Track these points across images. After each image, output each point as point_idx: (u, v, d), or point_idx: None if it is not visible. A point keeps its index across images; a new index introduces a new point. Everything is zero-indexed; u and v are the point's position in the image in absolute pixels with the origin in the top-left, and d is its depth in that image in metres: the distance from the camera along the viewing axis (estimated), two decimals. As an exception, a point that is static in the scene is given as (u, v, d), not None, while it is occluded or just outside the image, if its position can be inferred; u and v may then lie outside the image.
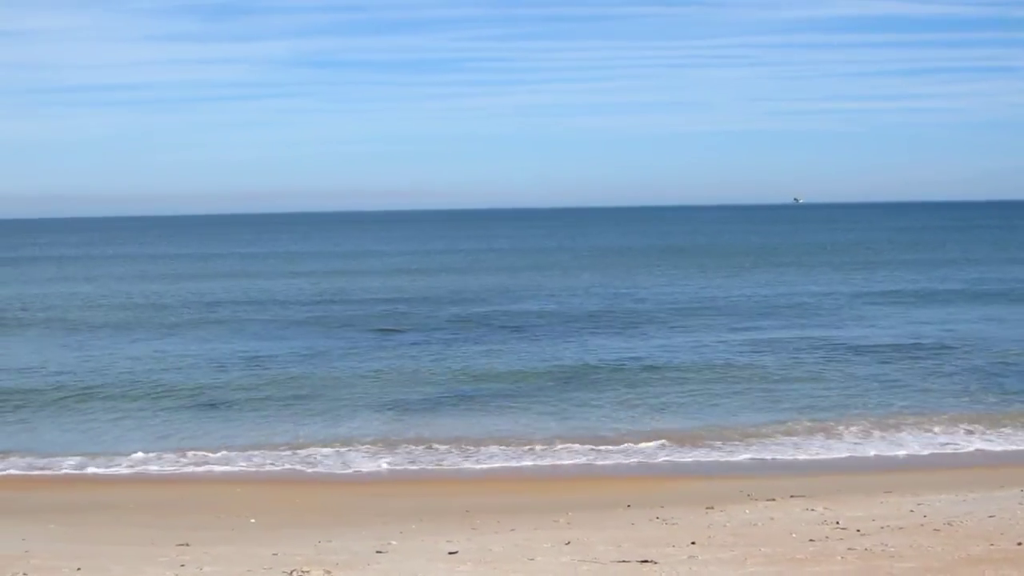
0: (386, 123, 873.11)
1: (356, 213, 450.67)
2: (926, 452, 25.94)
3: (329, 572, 13.48)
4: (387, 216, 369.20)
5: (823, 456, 25.72)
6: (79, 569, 13.94)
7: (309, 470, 25.00)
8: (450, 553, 14.95)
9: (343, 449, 26.68)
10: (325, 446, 26.87)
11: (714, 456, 25.81)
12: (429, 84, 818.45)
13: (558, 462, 25.45)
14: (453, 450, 26.54)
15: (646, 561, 13.97)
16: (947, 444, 26.71)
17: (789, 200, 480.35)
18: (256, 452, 26.46)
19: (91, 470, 25.05)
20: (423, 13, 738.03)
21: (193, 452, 26.45)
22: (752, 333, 43.99)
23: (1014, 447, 26.31)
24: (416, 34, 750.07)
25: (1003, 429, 27.99)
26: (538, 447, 26.70)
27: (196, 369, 37.30)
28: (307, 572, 13.48)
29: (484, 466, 25.15)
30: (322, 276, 77.69)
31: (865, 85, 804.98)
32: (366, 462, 25.58)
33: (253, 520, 19.70)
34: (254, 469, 25.09)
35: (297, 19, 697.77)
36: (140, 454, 26.22)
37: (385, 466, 25.28)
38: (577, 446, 26.71)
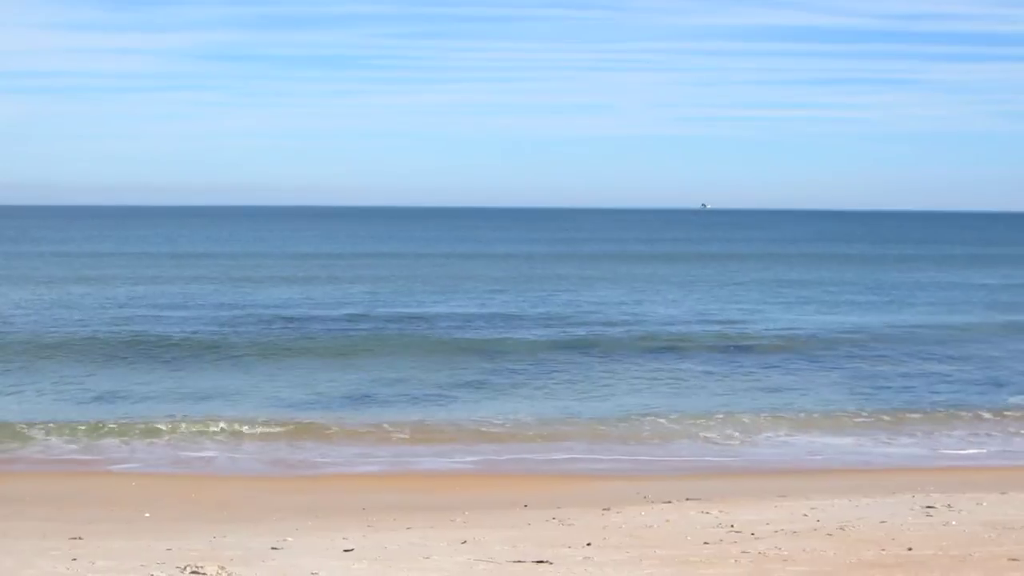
0: (294, 119, 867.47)
1: (263, 208, 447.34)
2: (818, 456, 26.24)
3: (224, 568, 13.38)
4: (293, 212, 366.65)
5: (719, 459, 25.91)
6: (-32, 561, 13.74)
7: (203, 465, 24.82)
8: (345, 551, 14.90)
9: (236, 444, 26.56)
10: (219, 441, 26.72)
11: (611, 456, 25.93)
12: (337, 80, 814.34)
13: (454, 460, 25.47)
14: (350, 447, 26.50)
15: (542, 561, 14.01)
16: (837, 447, 27.03)
17: (697, 205, 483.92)
18: (149, 445, 26.27)
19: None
20: (331, 9, 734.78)
21: (87, 444, 26.24)
22: (651, 333, 44.21)
23: (906, 451, 26.69)
24: (324, 30, 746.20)
25: (895, 433, 28.44)
26: (434, 445, 26.72)
27: (91, 361, 36.91)
28: (202, 567, 13.37)
29: (381, 465, 25.10)
30: (216, 281, 76.54)
31: (772, 93, 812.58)
32: (260, 458, 25.44)
33: (147, 514, 19.52)
34: (149, 463, 24.89)
35: (202, 11, 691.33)
36: (35, 447, 26.03)
37: (278, 462, 25.15)
38: (472, 445, 26.75)
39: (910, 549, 14.49)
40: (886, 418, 29.97)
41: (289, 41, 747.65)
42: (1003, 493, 19.84)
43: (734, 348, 41.26)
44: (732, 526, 16.63)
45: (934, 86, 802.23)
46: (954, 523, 16.56)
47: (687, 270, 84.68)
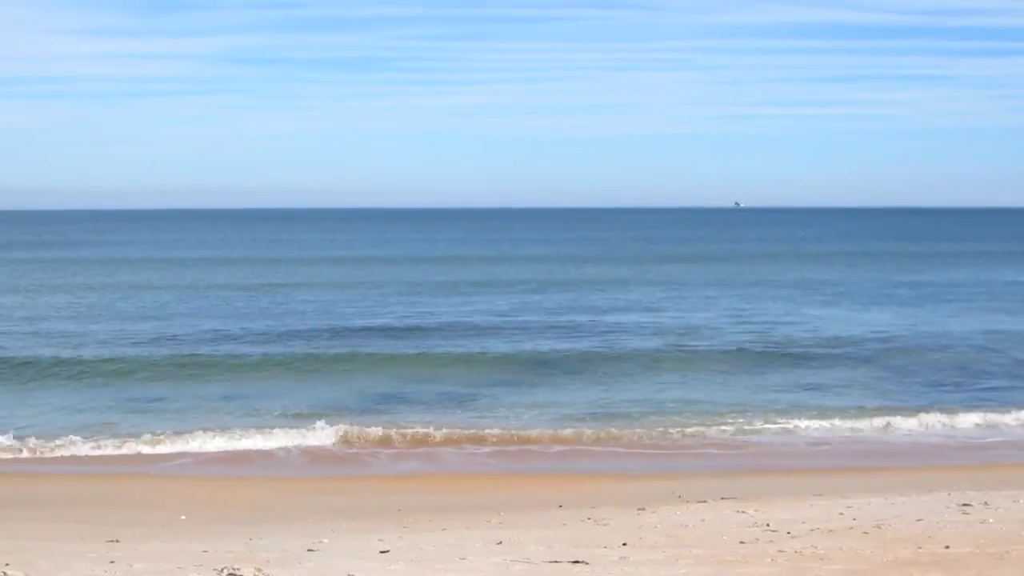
0: (320, 121, 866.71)
1: (290, 210, 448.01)
2: (854, 454, 26.21)
3: (260, 569, 13.41)
4: (321, 214, 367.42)
5: (754, 458, 25.89)
6: (7, 565, 13.80)
7: (238, 467, 24.93)
8: (382, 552, 14.93)
9: (271, 447, 26.70)
10: (253, 444, 26.88)
11: (646, 456, 25.94)
12: (367, 83, 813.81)
13: (488, 462, 25.52)
14: (384, 449, 26.60)
15: (578, 562, 14.00)
16: (873, 445, 27.00)
17: (730, 204, 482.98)
18: (185, 448, 26.44)
19: (21, 466, 24.91)
20: (356, 12, 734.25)
21: (123, 446, 26.44)
22: (686, 333, 44.16)
23: (943, 449, 26.64)
24: (349, 33, 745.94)
25: (933, 431, 28.42)
26: (468, 447, 26.78)
27: (127, 369, 37.07)
28: (238, 569, 13.41)
29: (415, 466, 25.17)
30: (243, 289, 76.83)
31: (803, 91, 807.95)
32: (295, 460, 25.55)
33: (184, 516, 19.60)
34: (185, 465, 25.04)
35: (228, 16, 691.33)
36: (72, 447, 26.27)
37: (313, 464, 25.25)
38: (507, 447, 26.82)
39: (947, 547, 14.44)
40: (923, 416, 29.84)
41: (314, 44, 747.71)
42: (1040, 490, 19.76)
43: (770, 347, 41.13)
44: (768, 525, 16.60)
45: (962, 81, 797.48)
46: (991, 521, 16.50)
47: (723, 269, 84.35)
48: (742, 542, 15.21)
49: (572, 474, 24.31)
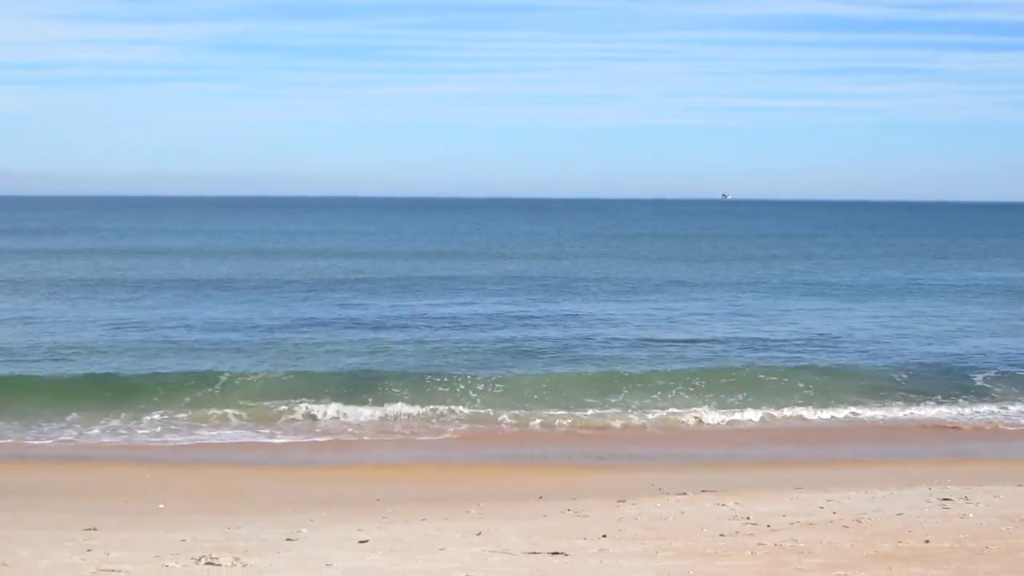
0: (308, 109, 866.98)
1: (277, 198, 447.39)
2: (835, 448, 26.24)
3: (238, 559, 13.38)
4: (308, 202, 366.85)
5: (734, 450, 25.89)
6: (-17, 552, 13.75)
7: (218, 457, 24.87)
8: (360, 542, 14.90)
9: (252, 437, 26.65)
10: (233, 434, 26.84)
11: (626, 448, 25.93)
12: (351, 71, 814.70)
13: (468, 452, 25.50)
14: (364, 439, 26.60)
15: (557, 553, 13.98)
16: (855, 438, 27.03)
17: (717, 196, 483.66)
18: (164, 437, 26.38)
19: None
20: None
21: (100, 433, 26.38)
22: (671, 328, 44.19)
23: (924, 443, 26.68)
24: (337, 20, 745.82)
25: (914, 425, 28.46)
26: (448, 438, 26.79)
27: (99, 351, 36.95)
28: (216, 558, 13.38)
29: (395, 457, 25.14)
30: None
31: (790, 83, 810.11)
32: (275, 449, 25.52)
33: (162, 505, 19.52)
34: (163, 454, 24.98)
35: (215, 2, 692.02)
36: (48, 435, 26.20)
37: (294, 453, 25.22)
38: (486, 438, 26.84)
39: (927, 541, 14.44)
40: (901, 408, 29.94)
41: (303, 31, 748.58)
42: (1020, 486, 19.80)
43: (749, 339, 41.10)
44: (748, 518, 16.59)
45: (947, 76, 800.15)
46: (971, 516, 16.51)
47: (707, 263, 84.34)
48: (722, 535, 15.20)
49: (552, 465, 24.28)
